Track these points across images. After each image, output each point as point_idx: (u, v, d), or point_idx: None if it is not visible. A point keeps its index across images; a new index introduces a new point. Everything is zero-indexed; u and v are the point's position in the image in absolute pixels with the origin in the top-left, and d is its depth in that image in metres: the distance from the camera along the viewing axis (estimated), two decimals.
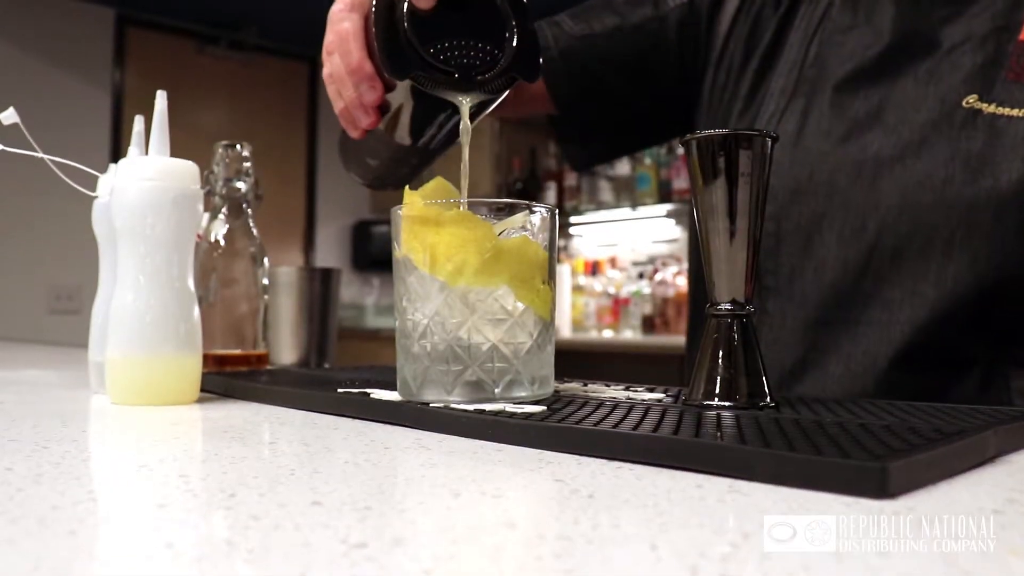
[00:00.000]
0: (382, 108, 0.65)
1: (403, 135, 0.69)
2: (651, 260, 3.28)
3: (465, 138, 0.60)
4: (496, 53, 0.60)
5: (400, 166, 0.76)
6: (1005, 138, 0.62)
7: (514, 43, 0.60)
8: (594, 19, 0.84)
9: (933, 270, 0.63)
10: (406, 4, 0.58)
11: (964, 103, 0.64)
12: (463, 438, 0.44)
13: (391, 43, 0.58)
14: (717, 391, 0.48)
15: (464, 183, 0.58)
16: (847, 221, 0.67)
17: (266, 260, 0.84)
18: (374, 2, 0.59)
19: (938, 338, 0.63)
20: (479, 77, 0.59)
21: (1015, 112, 0.62)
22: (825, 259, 0.68)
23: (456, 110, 0.61)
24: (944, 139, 0.63)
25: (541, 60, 0.81)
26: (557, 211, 0.55)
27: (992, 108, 0.62)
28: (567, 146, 0.95)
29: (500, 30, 0.60)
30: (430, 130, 0.69)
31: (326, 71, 0.66)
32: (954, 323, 0.63)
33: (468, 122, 0.60)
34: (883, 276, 0.65)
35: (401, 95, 0.65)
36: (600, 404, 0.49)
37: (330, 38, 0.64)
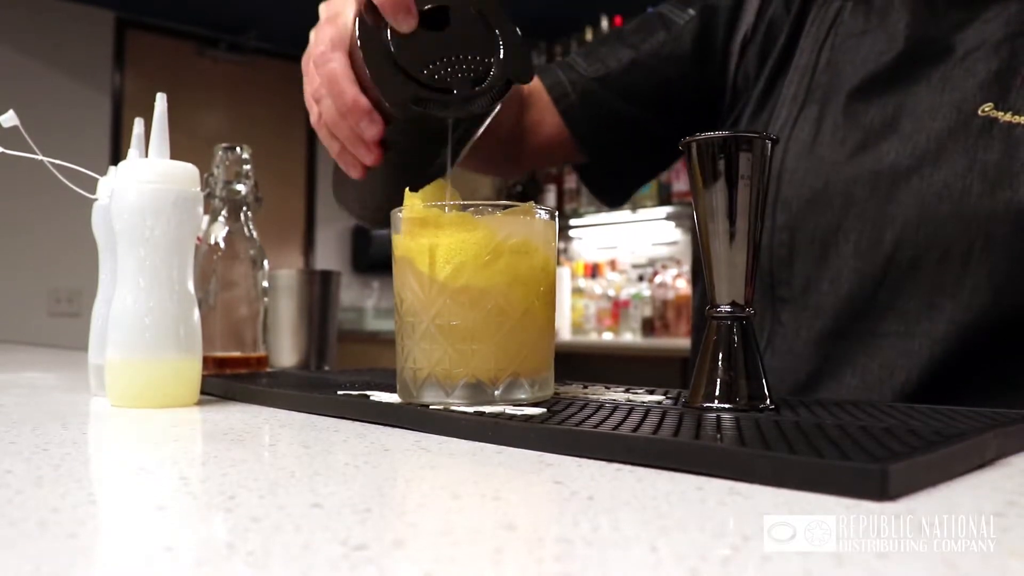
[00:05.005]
0: (382, 143, 0.62)
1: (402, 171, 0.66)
2: (651, 263, 3.28)
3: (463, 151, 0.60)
4: (486, 61, 0.59)
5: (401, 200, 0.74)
6: (1022, 148, 0.61)
7: (500, 47, 0.59)
8: (608, 56, 0.82)
9: (950, 282, 0.62)
10: (388, 32, 0.57)
11: (980, 111, 0.63)
12: (463, 440, 0.44)
13: (385, 73, 0.57)
14: (717, 393, 0.48)
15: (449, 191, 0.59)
16: (864, 232, 0.66)
17: (266, 263, 0.84)
18: (357, 37, 0.57)
19: (955, 350, 0.63)
20: (477, 88, 0.58)
21: None
22: (841, 271, 0.67)
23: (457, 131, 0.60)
24: (961, 148, 0.63)
25: (558, 95, 0.80)
26: (557, 213, 0.55)
27: (1008, 117, 0.62)
28: (599, 189, 0.92)
29: (484, 37, 0.59)
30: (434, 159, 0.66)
31: (314, 118, 0.64)
32: (971, 335, 0.62)
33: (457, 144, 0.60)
34: (900, 288, 0.64)
35: (396, 130, 0.63)
36: (600, 406, 0.49)
37: (317, 83, 0.61)
